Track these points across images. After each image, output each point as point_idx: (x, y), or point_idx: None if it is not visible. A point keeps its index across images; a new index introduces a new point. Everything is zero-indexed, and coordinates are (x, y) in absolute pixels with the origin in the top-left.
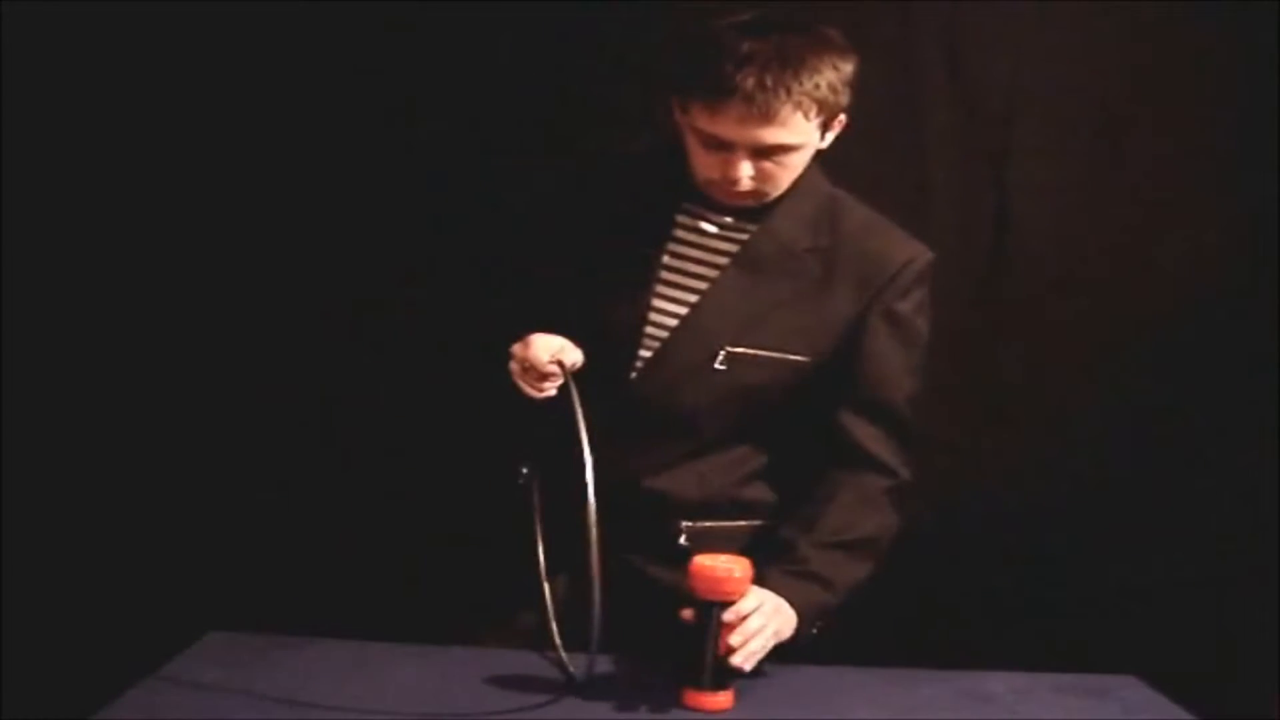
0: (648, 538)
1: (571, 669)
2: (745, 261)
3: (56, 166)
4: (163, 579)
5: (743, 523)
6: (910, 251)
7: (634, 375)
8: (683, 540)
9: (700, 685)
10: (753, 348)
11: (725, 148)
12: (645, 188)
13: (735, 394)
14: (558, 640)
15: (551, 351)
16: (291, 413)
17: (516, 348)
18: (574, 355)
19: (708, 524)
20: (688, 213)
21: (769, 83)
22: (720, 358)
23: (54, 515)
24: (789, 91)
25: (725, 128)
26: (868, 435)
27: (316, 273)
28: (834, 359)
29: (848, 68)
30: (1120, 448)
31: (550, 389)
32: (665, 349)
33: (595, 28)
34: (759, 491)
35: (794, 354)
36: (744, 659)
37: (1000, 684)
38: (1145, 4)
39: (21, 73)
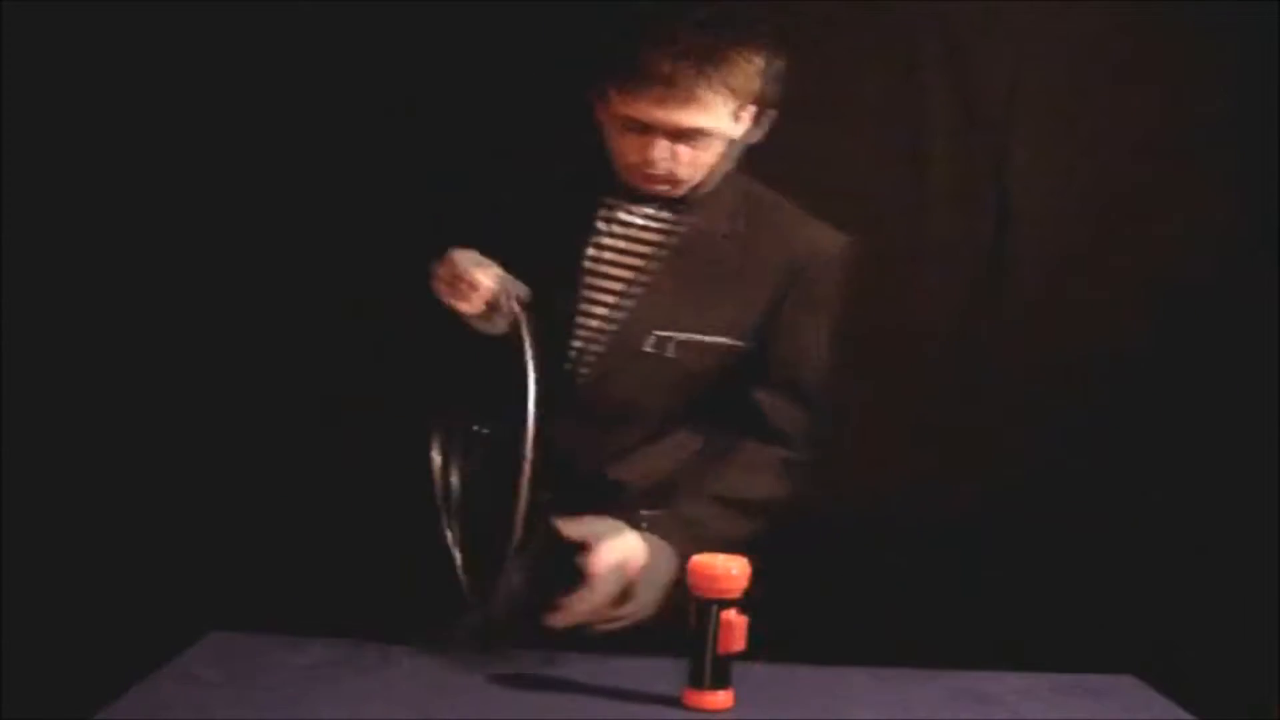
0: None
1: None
2: (669, 249)
3: (56, 166)
4: (163, 579)
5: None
6: (828, 238)
7: (568, 366)
8: (644, 528)
9: (700, 685)
10: (682, 331)
11: (643, 131)
12: (566, 183)
13: (673, 378)
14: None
15: (471, 259)
16: (291, 412)
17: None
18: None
19: (663, 511)
20: (609, 206)
21: (687, 65)
22: (650, 342)
23: (54, 515)
24: (706, 75)
25: (643, 109)
26: (774, 409)
27: (314, 273)
28: (761, 341)
29: (772, 61)
30: (1120, 447)
31: (479, 301)
32: (595, 339)
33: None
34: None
35: (723, 337)
36: (560, 616)
37: (1000, 684)
38: (1145, 4)
39: (21, 73)
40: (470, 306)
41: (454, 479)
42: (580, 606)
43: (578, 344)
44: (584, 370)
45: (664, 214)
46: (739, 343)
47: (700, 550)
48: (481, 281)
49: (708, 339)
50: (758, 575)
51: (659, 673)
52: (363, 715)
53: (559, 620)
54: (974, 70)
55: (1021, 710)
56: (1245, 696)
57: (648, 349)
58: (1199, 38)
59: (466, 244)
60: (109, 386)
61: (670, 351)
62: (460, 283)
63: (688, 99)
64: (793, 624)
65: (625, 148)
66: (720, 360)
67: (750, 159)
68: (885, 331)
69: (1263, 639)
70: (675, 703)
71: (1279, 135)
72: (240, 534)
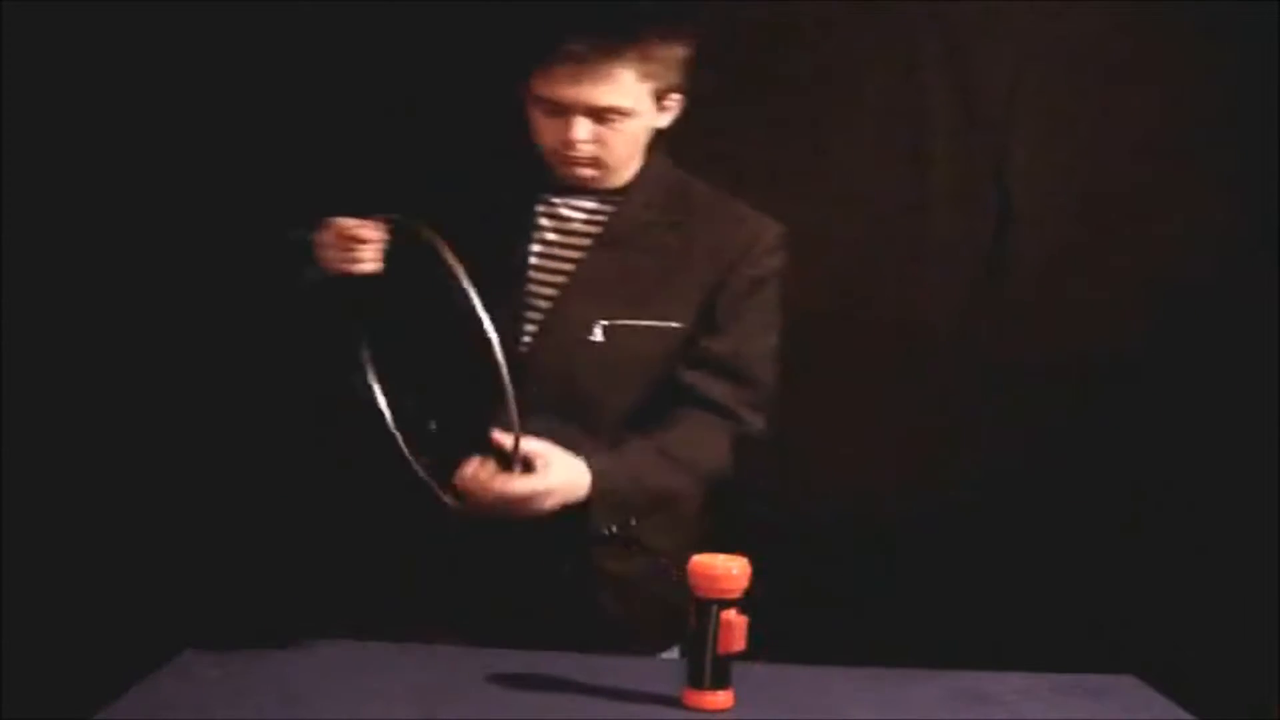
0: (571, 521)
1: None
2: (607, 240)
3: (56, 166)
4: (163, 579)
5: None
6: (761, 225)
7: (520, 363)
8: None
9: (700, 685)
10: (627, 318)
11: (562, 111)
12: (502, 183)
13: (623, 367)
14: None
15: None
16: (290, 412)
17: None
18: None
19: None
20: (547, 203)
21: (600, 42)
22: (597, 331)
23: (54, 516)
24: (619, 52)
25: (560, 88)
26: (723, 393)
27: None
28: (696, 326)
29: (681, 49)
30: (1120, 446)
31: (368, 256)
32: (543, 331)
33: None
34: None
35: (667, 321)
36: (468, 482)
37: (1000, 684)
38: (1145, 4)
39: (22, 73)
40: (366, 264)
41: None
42: (483, 473)
43: (528, 339)
44: (537, 365)
45: (603, 206)
46: (682, 325)
47: (637, 498)
48: (369, 234)
49: (653, 324)
50: (757, 575)
51: (659, 673)
52: (363, 715)
53: (464, 481)
54: (974, 70)
55: (1021, 710)
56: (1245, 696)
57: (595, 338)
58: (1199, 38)
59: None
60: (109, 386)
61: (617, 337)
62: (350, 242)
63: (602, 76)
64: (793, 624)
65: (546, 131)
66: (670, 345)
67: (751, 159)
68: (885, 331)
69: (1263, 639)
70: (675, 703)
71: (1279, 135)
72: (240, 534)
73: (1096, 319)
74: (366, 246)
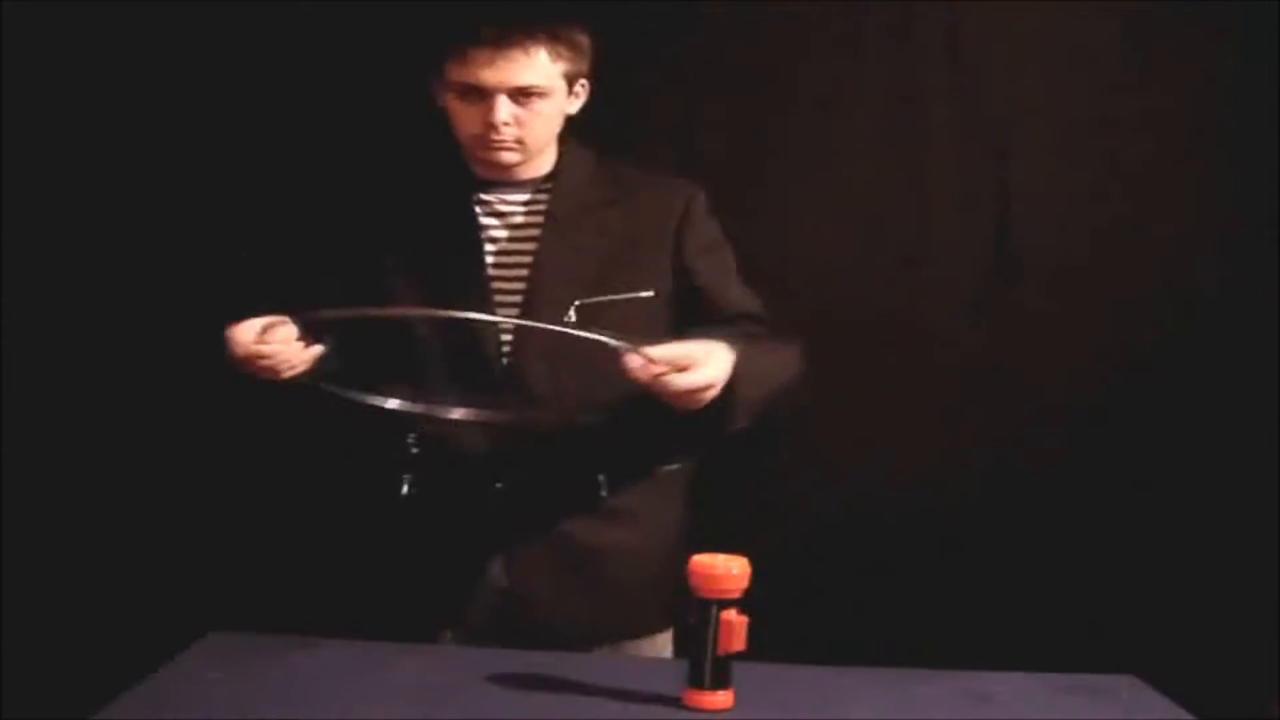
0: (568, 499)
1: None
2: (554, 226)
3: (56, 166)
4: (163, 579)
5: (661, 467)
6: (689, 189)
7: (504, 361)
8: (603, 493)
9: (700, 685)
10: (599, 294)
11: (481, 95)
12: (431, 187)
13: (602, 348)
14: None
15: (254, 330)
16: (291, 412)
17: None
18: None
19: (626, 470)
20: (482, 201)
21: (513, 24)
22: (572, 314)
23: (54, 515)
24: (532, 32)
25: (478, 71)
26: (759, 331)
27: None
28: (676, 289)
29: (585, 38)
30: (1120, 446)
31: (297, 362)
32: (521, 327)
33: None
34: (669, 433)
35: (637, 291)
36: (641, 370)
37: (1000, 684)
38: (1145, 4)
39: (21, 73)
40: (292, 369)
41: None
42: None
43: (507, 338)
44: (522, 360)
45: (537, 196)
46: (652, 292)
47: (767, 385)
48: (270, 350)
49: (625, 296)
50: (757, 575)
51: (659, 673)
52: (363, 715)
53: (634, 362)
54: (974, 70)
55: (1021, 710)
56: (1245, 696)
57: (570, 319)
58: (1200, 38)
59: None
60: (108, 387)
61: (593, 316)
62: (258, 361)
63: (518, 57)
64: (793, 624)
65: (466, 118)
66: (644, 314)
67: (751, 160)
68: (885, 332)
69: (1263, 639)
70: (675, 703)
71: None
72: (240, 534)
73: (1096, 319)
74: (277, 358)
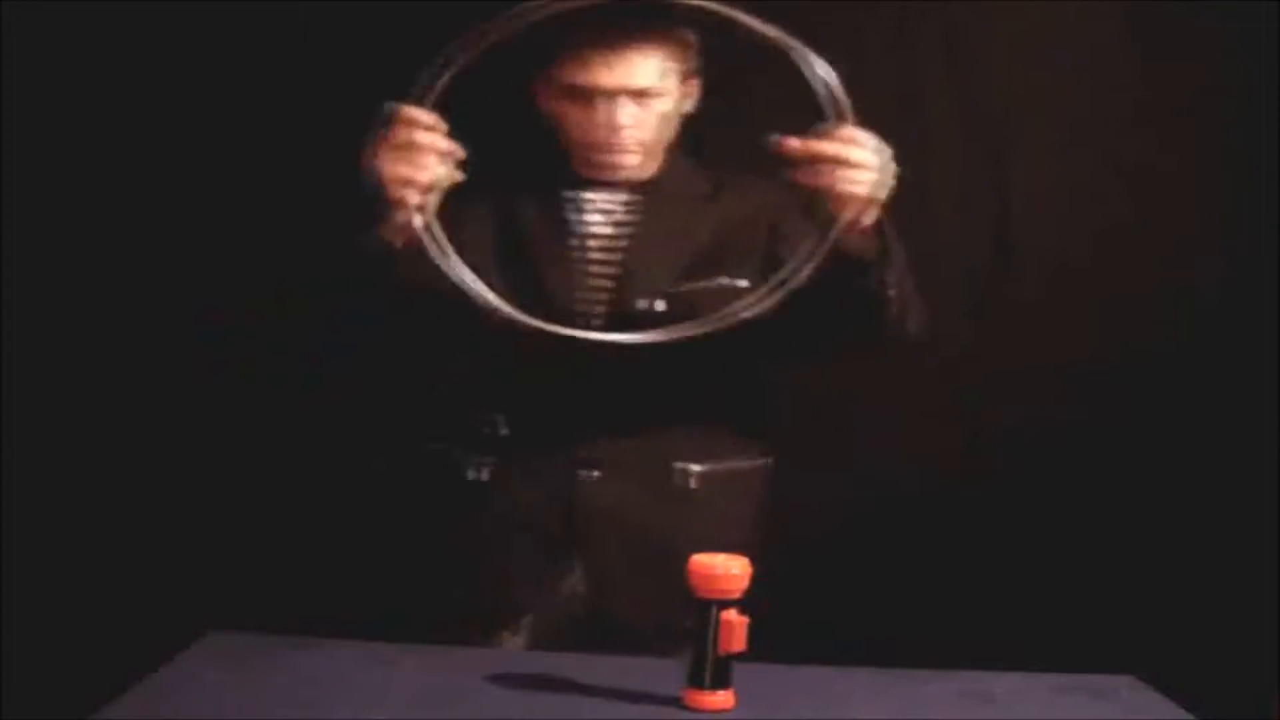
0: (654, 490)
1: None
2: (653, 221)
3: (56, 166)
4: (163, 579)
5: (746, 463)
6: (782, 186)
7: (588, 349)
8: (693, 484)
9: (700, 685)
10: (691, 282)
11: (598, 99)
12: (530, 180)
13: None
14: None
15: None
16: (292, 410)
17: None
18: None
19: (715, 467)
20: (584, 201)
21: (629, 26)
22: (662, 302)
23: (54, 515)
24: (646, 33)
25: (597, 74)
26: None
27: (309, 271)
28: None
29: (693, 35)
30: (1120, 446)
31: (434, 167)
32: (612, 308)
33: None
34: (757, 429)
35: (732, 279)
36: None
37: (1000, 684)
38: (1145, 4)
39: (21, 73)
40: (423, 175)
41: None
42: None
43: (596, 320)
44: (607, 354)
45: (635, 196)
46: (747, 282)
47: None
48: (439, 145)
49: (717, 283)
50: (757, 576)
51: (659, 673)
52: (363, 715)
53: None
54: (974, 70)
55: (1021, 710)
56: (1245, 697)
57: (660, 307)
58: (1200, 38)
59: None
60: (108, 386)
61: (683, 306)
62: (417, 151)
63: (635, 58)
64: (793, 624)
65: (583, 122)
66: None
67: (752, 159)
68: None
69: (1263, 639)
70: (675, 703)
71: None
72: (240, 534)
73: (1097, 320)
74: (429, 160)
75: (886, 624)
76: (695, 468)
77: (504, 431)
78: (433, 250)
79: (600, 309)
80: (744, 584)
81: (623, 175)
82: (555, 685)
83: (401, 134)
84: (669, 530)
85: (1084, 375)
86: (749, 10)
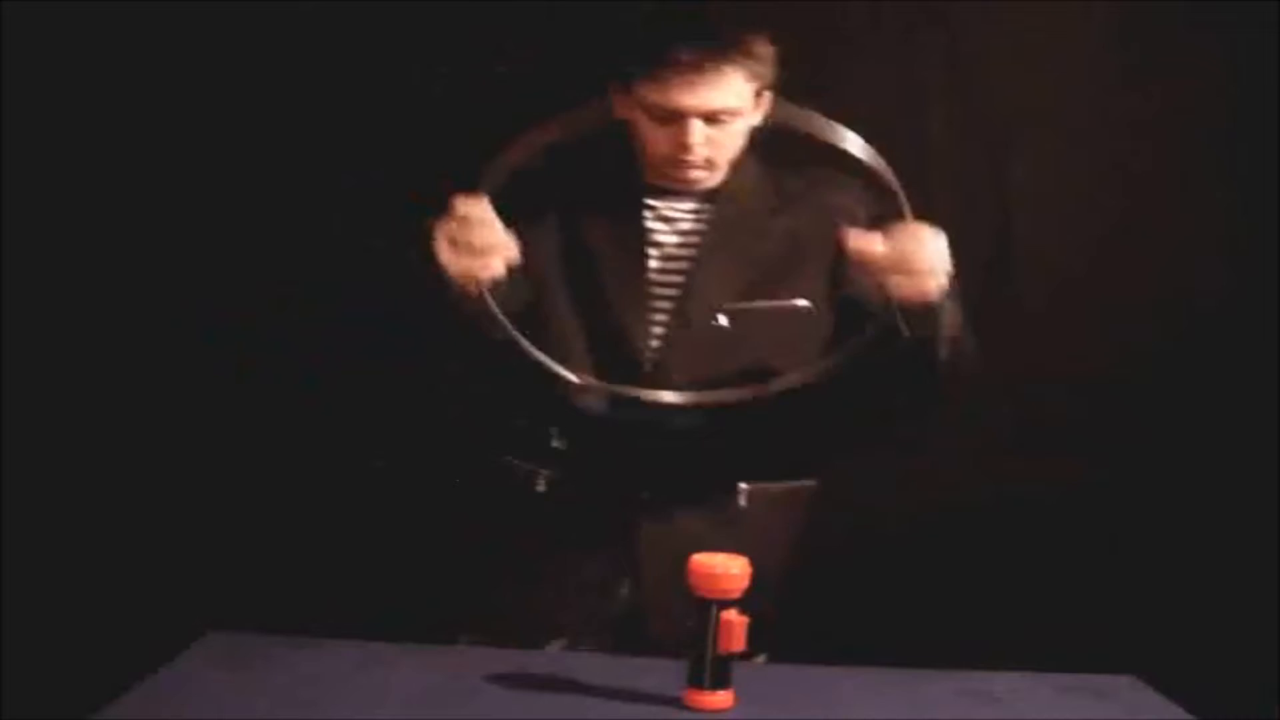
0: (704, 508)
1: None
2: (719, 234)
3: (56, 166)
4: (163, 579)
5: (794, 484)
6: (855, 191)
7: (649, 367)
8: (742, 502)
9: (700, 685)
10: (755, 300)
11: (676, 118)
12: (598, 183)
13: (755, 354)
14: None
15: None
16: (292, 411)
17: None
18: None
19: (765, 486)
20: (650, 208)
21: (710, 47)
22: (723, 319)
23: (54, 515)
24: (727, 54)
25: (675, 96)
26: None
27: (315, 272)
28: (831, 298)
29: (770, 48)
30: (1120, 447)
31: (496, 267)
32: (674, 325)
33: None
34: (808, 448)
35: (794, 299)
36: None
37: (1000, 684)
38: (1145, 4)
39: (21, 73)
40: (488, 271)
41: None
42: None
43: (655, 343)
44: (666, 366)
45: (703, 205)
46: (808, 302)
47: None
48: (499, 243)
49: (781, 303)
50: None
51: (659, 673)
52: (363, 715)
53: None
54: (974, 72)
55: (1021, 710)
56: (1246, 697)
57: (723, 323)
58: (1200, 39)
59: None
60: (108, 386)
61: (744, 325)
62: (478, 251)
63: (715, 81)
64: (793, 624)
65: (660, 138)
66: (796, 324)
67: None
68: None
69: (1263, 640)
70: (675, 703)
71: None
72: (240, 534)
73: (1097, 320)
74: (492, 256)
75: (887, 624)
76: (745, 486)
77: (559, 445)
78: (495, 325)
79: (662, 321)
80: (744, 584)
81: (697, 185)
82: (555, 685)
83: (462, 233)
84: (717, 548)
85: (1083, 375)
86: (748, 13)
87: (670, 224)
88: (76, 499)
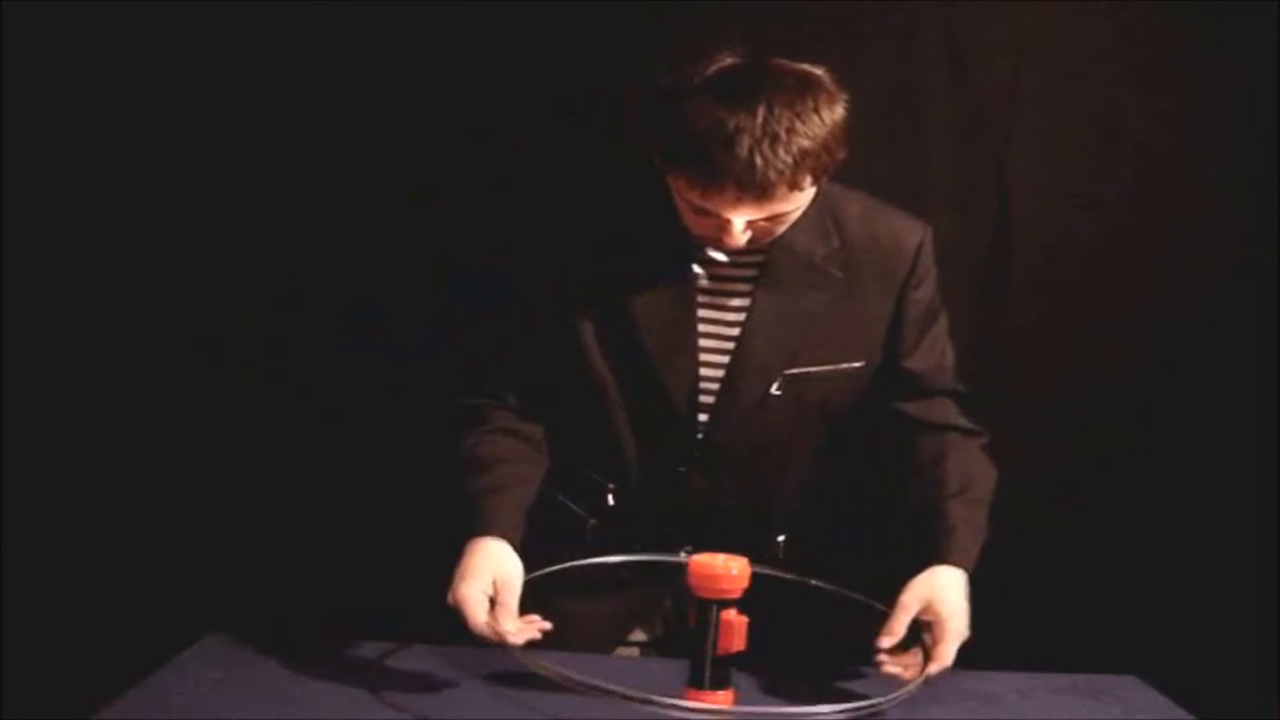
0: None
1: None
2: (770, 283)
3: (56, 166)
4: (163, 579)
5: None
6: (915, 234)
7: (701, 423)
8: (780, 555)
9: (700, 685)
10: (807, 365)
11: (718, 216)
12: (639, 234)
13: (802, 414)
14: None
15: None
16: (292, 411)
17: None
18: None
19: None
20: (691, 250)
21: (760, 162)
22: (777, 384)
23: (54, 515)
24: (782, 170)
25: (718, 205)
26: (953, 413)
27: (316, 273)
28: (884, 357)
29: (839, 114)
30: (1120, 447)
31: (528, 631)
32: (724, 390)
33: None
34: (844, 500)
35: (847, 362)
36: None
37: (1000, 684)
38: (1145, 4)
39: (21, 73)
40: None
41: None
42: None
43: (705, 399)
44: (717, 426)
45: (752, 256)
46: (862, 363)
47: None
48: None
49: (832, 367)
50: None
51: (659, 673)
52: (363, 715)
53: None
54: (974, 71)
55: (1021, 710)
56: (1245, 697)
57: (776, 391)
58: (1200, 40)
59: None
60: (108, 388)
61: (797, 387)
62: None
63: (764, 195)
64: (795, 624)
65: (698, 225)
66: (850, 384)
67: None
68: None
69: (1263, 640)
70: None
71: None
72: (240, 534)
73: (1097, 321)
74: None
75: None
76: (783, 539)
77: (611, 502)
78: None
79: (711, 389)
80: (744, 584)
81: None
82: (555, 685)
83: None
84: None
85: (1083, 375)
86: (748, 13)
87: (712, 266)
88: (76, 500)
